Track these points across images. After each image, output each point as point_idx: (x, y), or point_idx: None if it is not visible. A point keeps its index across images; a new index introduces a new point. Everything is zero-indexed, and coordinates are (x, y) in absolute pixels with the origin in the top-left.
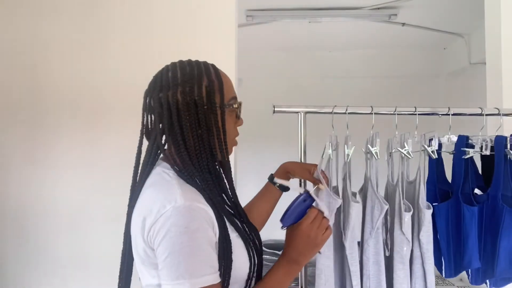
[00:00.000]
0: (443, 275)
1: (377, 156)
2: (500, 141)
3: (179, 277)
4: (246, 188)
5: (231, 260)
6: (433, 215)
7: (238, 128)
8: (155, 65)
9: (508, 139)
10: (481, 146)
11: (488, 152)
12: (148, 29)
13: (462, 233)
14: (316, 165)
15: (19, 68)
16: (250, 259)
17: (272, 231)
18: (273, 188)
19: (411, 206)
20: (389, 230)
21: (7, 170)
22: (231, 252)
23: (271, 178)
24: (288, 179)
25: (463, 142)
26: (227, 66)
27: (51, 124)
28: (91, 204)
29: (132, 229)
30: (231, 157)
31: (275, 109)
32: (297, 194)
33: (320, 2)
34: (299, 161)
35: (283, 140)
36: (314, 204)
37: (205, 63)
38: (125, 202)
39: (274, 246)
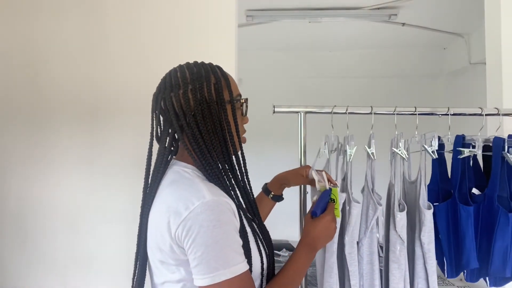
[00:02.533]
0: (445, 275)
1: (373, 156)
2: (497, 142)
3: (218, 268)
4: None
5: (250, 250)
6: (434, 215)
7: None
8: (155, 65)
9: (506, 140)
10: (474, 145)
11: (480, 152)
12: (148, 29)
13: (459, 233)
14: (308, 166)
15: (19, 68)
16: (260, 254)
17: (272, 231)
18: (266, 198)
19: (405, 205)
20: (385, 229)
21: (7, 170)
22: (249, 243)
23: (264, 188)
24: (282, 189)
25: (460, 142)
26: (227, 66)
27: (51, 124)
28: (91, 205)
29: (153, 228)
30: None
31: (275, 109)
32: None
33: (320, 2)
34: (299, 160)
35: (283, 140)
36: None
37: (210, 64)
38: (125, 203)
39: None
